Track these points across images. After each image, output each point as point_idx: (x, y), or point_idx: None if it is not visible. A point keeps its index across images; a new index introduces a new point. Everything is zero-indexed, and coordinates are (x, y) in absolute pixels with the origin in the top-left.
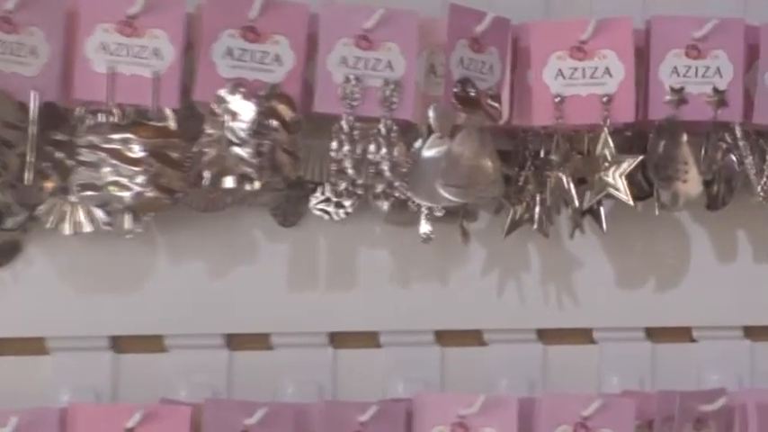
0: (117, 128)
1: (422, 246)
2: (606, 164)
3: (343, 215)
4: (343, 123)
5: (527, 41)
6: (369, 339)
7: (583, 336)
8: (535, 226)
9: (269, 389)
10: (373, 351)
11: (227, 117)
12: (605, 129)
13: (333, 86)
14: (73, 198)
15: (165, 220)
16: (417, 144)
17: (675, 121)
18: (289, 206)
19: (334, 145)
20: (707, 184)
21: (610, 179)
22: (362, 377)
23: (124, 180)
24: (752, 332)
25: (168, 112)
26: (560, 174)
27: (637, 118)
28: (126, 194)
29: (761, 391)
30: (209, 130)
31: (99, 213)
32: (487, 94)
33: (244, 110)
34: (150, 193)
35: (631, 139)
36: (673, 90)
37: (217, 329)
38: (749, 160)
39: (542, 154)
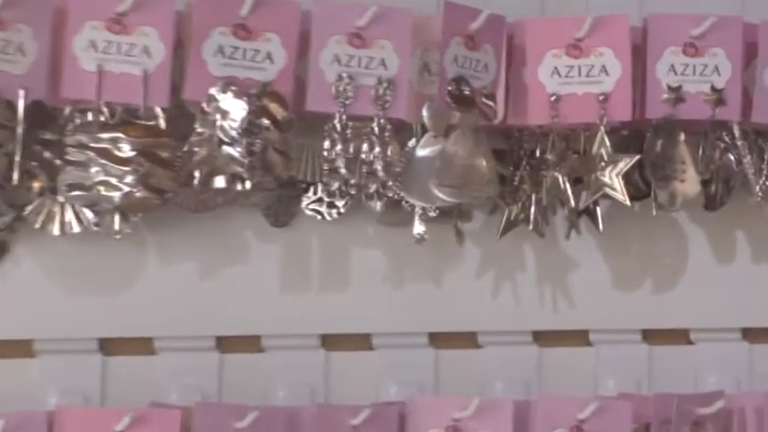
0: (106, 127)
1: (415, 246)
2: (603, 163)
3: (335, 215)
4: (336, 122)
5: (522, 39)
6: (361, 341)
7: (579, 338)
8: (530, 226)
9: (260, 392)
10: (366, 353)
11: (217, 116)
12: (602, 128)
13: (325, 85)
14: (61, 198)
15: (154, 221)
16: (411, 143)
17: (673, 120)
18: (280, 206)
19: (326, 144)
20: (705, 184)
21: (606, 179)
22: (355, 380)
23: (113, 180)
24: (750, 334)
25: (158, 110)
26: (556, 173)
27: (633, 117)
28: (115, 194)
29: (759, 393)
30: (199, 129)
31: (88, 214)
32: (482, 93)
33: (235, 108)
34: (140, 194)
35: (628, 138)
36: (670, 88)
37: (207, 331)
38: (747, 160)
39: (538, 153)
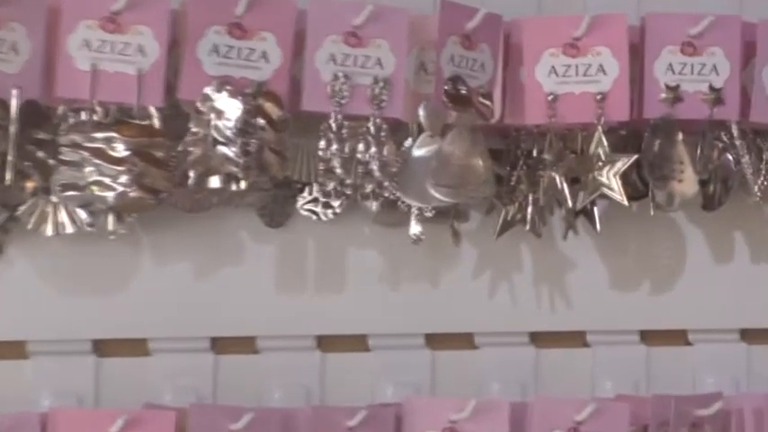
0: (100, 126)
1: (412, 247)
2: (600, 163)
3: (331, 216)
4: (332, 122)
5: (519, 38)
6: (357, 342)
7: (576, 339)
8: (527, 227)
9: (255, 393)
10: (362, 354)
11: (212, 115)
12: (599, 127)
13: (321, 84)
14: (55, 198)
15: (149, 221)
16: (407, 143)
17: (671, 120)
18: (276, 206)
19: (322, 144)
20: (703, 184)
21: (604, 179)
22: (351, 381)
23: (107, 180)
24: (748, 335)
25: (152, 110)
26: (553, 173)
27: (631, 116)
28: (109, 194)
29: (757, 395)
30: (194, 129)
31: (81, 214)
32: (479, 92)
33: (230, 108)
34: (134, 194)
35: (626, 137)
36: (668, 88)
37: (202, 332)
38: (746, 159)
39: (535, 153)
